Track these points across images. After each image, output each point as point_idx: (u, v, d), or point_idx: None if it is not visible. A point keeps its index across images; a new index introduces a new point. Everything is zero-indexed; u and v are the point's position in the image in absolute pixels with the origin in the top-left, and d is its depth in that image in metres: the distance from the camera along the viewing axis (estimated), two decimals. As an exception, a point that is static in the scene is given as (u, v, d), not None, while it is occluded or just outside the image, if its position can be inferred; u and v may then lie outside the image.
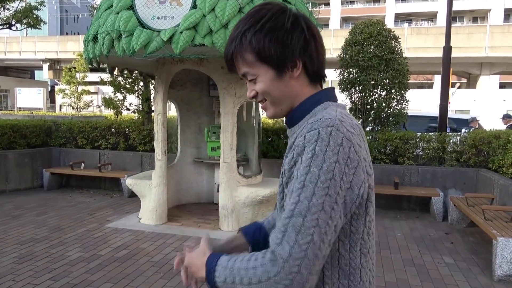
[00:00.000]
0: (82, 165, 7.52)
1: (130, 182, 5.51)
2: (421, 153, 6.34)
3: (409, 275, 3.70)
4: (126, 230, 4.96)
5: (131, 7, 4.23)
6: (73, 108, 19.11)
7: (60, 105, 28.78)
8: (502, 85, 32.78)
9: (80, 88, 18.85)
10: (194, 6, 4.08)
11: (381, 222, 5.52)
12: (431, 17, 40.29)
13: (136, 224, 5.25)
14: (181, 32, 3.99)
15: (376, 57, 6.50)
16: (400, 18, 39.56)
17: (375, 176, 6.23)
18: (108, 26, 4.22)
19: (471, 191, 5.82)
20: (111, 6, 4.40)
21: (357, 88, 6.76)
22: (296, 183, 0.84)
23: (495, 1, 36.52)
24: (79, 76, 18.96)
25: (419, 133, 6.40)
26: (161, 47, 4.05)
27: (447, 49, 6.82)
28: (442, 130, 6.76)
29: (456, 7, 39.60)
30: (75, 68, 18.59)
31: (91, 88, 25.16)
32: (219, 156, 5.97)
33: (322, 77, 1.01)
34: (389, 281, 3.58)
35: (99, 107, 33.57)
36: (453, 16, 39.18)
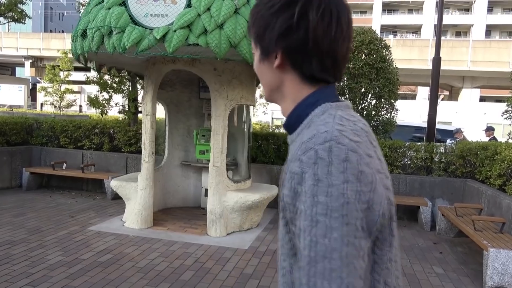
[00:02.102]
0: (64, 165, 7.27)
1: (115, 184, 5.33)
2: (408, 162, 6.36)
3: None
4: (109, 234, 4.78)
5: (123, 3, 4.11)
6: (55, 106, 18.65)
7: (42, 103, 28.10)
8: (482, 99, 33.64)
9: (63, 86, 18.42)
10: (189, 5, 3.99)
11: (370, 230, 5.48)
12: (416, 30, 41.18)
13: (120, 227, 5.07)
14: (175, 31, 3.88)
15: (367, 65, 6.52)
16: (386, 29, 40.28)
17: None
18: (99, 22, 4.08)
19: (458, 201, 5.86)
20: (102, 1, 4.27)
21: (347, 95, 6.75)
22: (305, 220, 0.69)
23: (477, 17, 37.62)
24: (62, 74, 18.55)
25: (407, 143, 6.43)
26: (153, 45, 3.93)
27: (437, 60, 6.90)
28: (430, 140, 6.81)
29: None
30: (58, 66, 18.19)
31: (74, 87, 24.63)
32: (208, 160, 5.87)
33: (323, 81, 0.83)
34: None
35: (80, 106, 32.96)
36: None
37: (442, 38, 38.29)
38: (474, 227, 4.14)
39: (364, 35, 6.62)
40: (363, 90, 6.61)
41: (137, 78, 7.73)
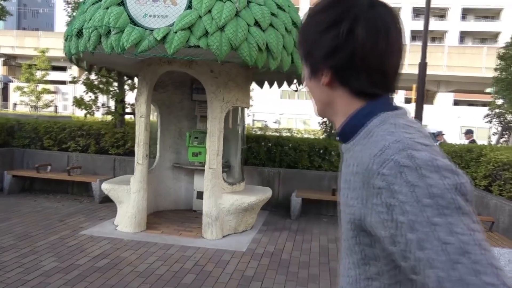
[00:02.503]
0: (49, 168, 7.06)
1: (106, 187, 5.22)
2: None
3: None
4: (102, 238, 4.68)
5: (122, 3, 4.04)
6: (31, 107, 18.08)
7: (15, 103, 27.15)
8: (456, 102, 34.85)
9: (40, 86, 17.89)
10: (189, 6, 3.96)
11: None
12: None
13: (112, 231, 4.97)
14: (176, 32, 3.85)
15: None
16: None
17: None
18: (96, 21, 4.00)
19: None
20: (99, 0, 4.18)
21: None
22: (417, 229, 0.65)
23: (451, 24, 38.94)
24: (39, 74, 18.02)
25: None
26: (153, 46, 3.88)
27: (423, 65, 7.11)
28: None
29: (414, 27, 41.82)
30: (35, 65, 17.66)
31: (50, 87, 23.98)
32: (200, 162, 5.84)
33: (374, 96, 0.82)
34: None
35: (56, 106, 32.07)
36: (413, 36, 41.37)
37: (418, 43, 39.49)
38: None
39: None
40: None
41: (125, 79, 7.61)
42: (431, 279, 0.64)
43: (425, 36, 7.10)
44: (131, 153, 7.17)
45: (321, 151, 6.63)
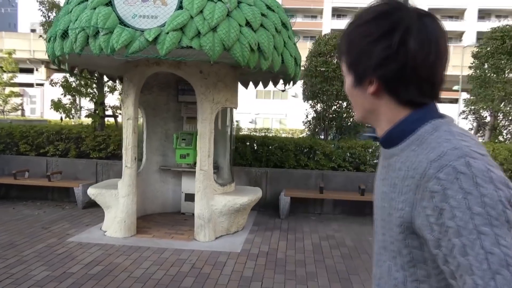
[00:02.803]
0: (27, 174, 6.79)
1: (93, 192, 5.08)
2: (375, 159, 6.68)
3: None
4: (92, 244, 4.55)
5: (110, 3, 3.94)
6: (-3, 111, 17.33)
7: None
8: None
9: (8, 89, 17.14)
10: (180, 7, 3.91)
11: (351, 227, 5.70)
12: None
13: (101, 237, 4.84)
14: (167, 33, 3.80)
15: (339, 69, 6.76)
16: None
17: (340, 184, 6.47)
18: (83, 22, 3.88)
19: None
20: (85, 0, 4.06)
21: (320, 98, 6.95)
22: (463, 235, 0.67)
23: None
24: (6, 76, 17.29)
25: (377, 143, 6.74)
26: (145, 47, 3.81)
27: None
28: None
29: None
30: (1, 67, 16.93)
31: (16, 90, 23.01)
32: (188, 164, 5.78)
33: (420, 104, 0.84)
34: (378, 285, 3.68)
35: (22, 110, 30.91)
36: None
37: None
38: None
39: (336, 40, 6.86)
40: (335, 92, 6.84)
41: (104, 81, 7.42)
42: (468, 285, 0.66)
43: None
44: (113, 156, 7.03)
45: (307, 150, 6.70)
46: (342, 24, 42.48)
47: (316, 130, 7.17)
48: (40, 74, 38.58)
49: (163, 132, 6.08)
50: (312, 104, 7.16)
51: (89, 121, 7.65)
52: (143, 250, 4.42)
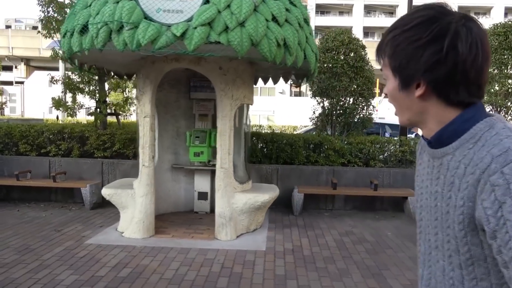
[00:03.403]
0: (29, 175, 6.55)
1: (108, 192, 4.94)
2: (386, 155, 6.74)
3: (424, 272, 3.88)
4: (112, 246, 4.42)
5: (133, -3, 3.81)
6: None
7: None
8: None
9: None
10: (206, 1, 3.82)
11: (366, 222, 5.73)
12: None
13: (119, 238, 4.71)
14: (195, 28, 3.70)
15: (347, 64, 6.77)
16: (320, 30, 42.06)
17: (351, 180, 6.50)
18: (107, 17, 3.74)
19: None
20: (106, -6, 3.92)
21: (328, 94, 6.95)
22: None
23: (355, 20, 41.14)
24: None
25: (385, 138, 6.80)
26: (172, 43, 3.71)
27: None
28: (403, 134, 7.28)
29: (367, 23, 43.44)
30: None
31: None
32: (200, 162, 5.70)
33: (469, 104, 0.87)
34: (412, 279, 3.70)
35: (1, 109, 29.95)
36: (365, 32, 42.76)
37: (370, 39, 41.14)
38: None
39: (343, 35, 6.87)
40: (343, 88, 6.85)
41: (105, 79, 7.23)
42: None
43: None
44: (118, 155, 6.86)
45: (317, 146, 6.69)
46: (326, 21, 42.75)
47: (324, 126, 7.16)
48: (19, 71, 37.42)
49: (174, 130, 5.96)
50: (319, 100, 7.15)
51: (86, 119, 7.44)
52: (166, 250, 4.32)
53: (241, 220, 4.92)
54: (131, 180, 5.60)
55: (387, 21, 41.17)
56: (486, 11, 42.07)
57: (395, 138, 7.09)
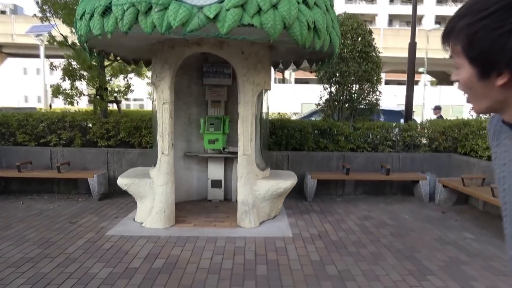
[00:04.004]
0: (29, 166, 6.27)
1: (125, 181, 4.78)
2: (394, 140, 6.81)
3: (455, 254, 3.95)
4: (136, 237, 4.29)
5: (160, -23, 3.62)
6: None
7: None
8: (387, 82, 37.35)
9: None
10: (237, -18, 3.67)
11: (380, 206, 5.80)
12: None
13: (140, 229, 4.58)
14: (228, 10, 3.56)
15: (355, 50, 6.75)
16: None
17: (361, 165, 6.54)
18: (133, -3, 3.55)
19: (444, 174, 6.48)
20: (130, -27, 3.70)
21: (336, 79, 6.93)
22: None
23: (380, 7, 41.28)
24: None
25: (394, 123, 6.86)
26: (204, 25, 3.56)
27: (413, 45, 7.44)
28: (408, 119, 7.36)
29: (350, 9, 43.52)
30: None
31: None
32: (214, 149, 5.60)
33: None
34: (445, 260, 3.77)
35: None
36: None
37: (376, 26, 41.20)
38: (493, 194, 4.63)
39: (351, 20, 6.82)
40: (352, 73, 6.83)
41: (105, 65, 6.95)
42: None
43: (414, 18, 7.43)
44: (123, 144, 6.66)
45: (326, 132, 6.68)
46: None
47: (331, 112, 7.15)
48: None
49: (186, 117, 5.81)
50: (326, 86, 7.12)
51: (85, 108, 7.14)
52: (193, 240, 4.23)
53: (263, 207, 4.87)
54: (144, 169, 5.46)
55: (365, 8, 41.40)
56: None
57: (399, 123, 7.16)
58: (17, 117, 6.62)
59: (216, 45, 4.44)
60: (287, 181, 4.86)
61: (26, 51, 30.18)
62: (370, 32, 7.03)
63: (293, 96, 29.76)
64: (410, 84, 7.42)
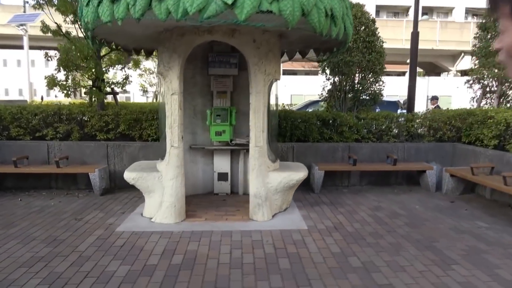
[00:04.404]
0: (25, 161, 6.02)
1: (132, 176, 4.61)
2: (396, 130, 6.79)
3: (473, 243, 3.94)
4: (149, 233, 4.15)
5: (174, -40, 3.44)
6: None
7: None
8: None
9: None
10: (255, -34, 3.52)
11: (388, 197, 5.77)
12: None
13: (150, 224, 4.44)
14: (246, -5, 3.41)
15: (359, 39, 6.67)
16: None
17: (366, 155, 6.50)
18: (147, -19, 3.36)
19: (448, 163, 6.50)
20: (141, -44, 3.51)
21: (340, 69, 6.84)
22: None
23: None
24: None
25: (399, 112, 6.84)
26: (222, 11, 3.40)
27: (415, 35, 7.39)
28: (411, 109, 7.35)
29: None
30: None
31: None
32: (220, 142, 5.48)
33: None
34: (465, 249, 3.75)
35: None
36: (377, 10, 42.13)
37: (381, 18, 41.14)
38: (505, 182, 4.64)
39: (355, 9, 6.73)
40: (356, 63, 6.76)
41: (102, 55, 6.71)
42: None
43: (416, 8, 7.38)
44: (123, 137, 6.46)
45: (330, 123, 6.61)
46: None
47: (335, 102, 7.08)
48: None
49: (191, 108, 5.65)
50: (329, 76, 7.03)
51: (80, 101, 6.90)
52: (207, 234, 4.12)
53: (275, 200, 4.78)
54: (149, 162, 5.29)
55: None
56: (448, 11, 43.32)
57: (403, 113, 7.14)
58: (10, 110, 6.34)
59: (227, 33, 4.28)
60: (299, 173, 4.77)
61: (7, 42, 29.17)
62: (374, 22, 6.95)
63: (283, 88, 29.76)
64: (413, 74, 7.40)
